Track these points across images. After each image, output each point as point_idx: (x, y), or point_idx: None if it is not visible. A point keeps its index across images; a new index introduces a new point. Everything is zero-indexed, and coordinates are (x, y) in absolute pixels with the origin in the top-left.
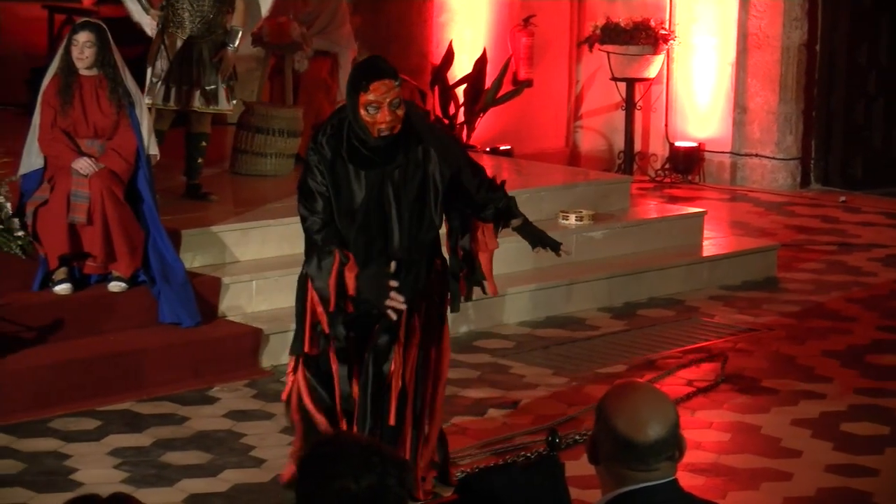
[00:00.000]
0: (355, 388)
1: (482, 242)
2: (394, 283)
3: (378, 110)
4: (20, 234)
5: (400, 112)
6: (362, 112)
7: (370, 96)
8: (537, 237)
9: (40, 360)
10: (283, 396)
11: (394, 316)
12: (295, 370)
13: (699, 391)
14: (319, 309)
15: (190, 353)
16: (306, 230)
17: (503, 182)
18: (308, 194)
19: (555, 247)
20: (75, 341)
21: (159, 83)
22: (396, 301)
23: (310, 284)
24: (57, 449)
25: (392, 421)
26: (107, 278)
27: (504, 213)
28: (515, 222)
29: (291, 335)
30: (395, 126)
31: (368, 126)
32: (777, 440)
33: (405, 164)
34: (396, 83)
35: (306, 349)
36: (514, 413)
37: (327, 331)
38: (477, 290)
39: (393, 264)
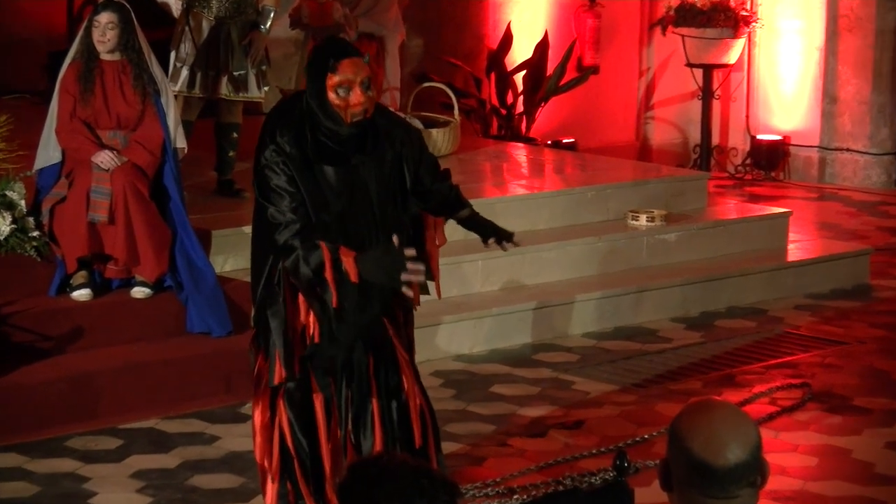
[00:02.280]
0: (335, 428)
1: (431, 238)
2: (410, 252)
3: (349, 91)
4: (35, 234)
5: (372, 94)
6: (331, 96)
7: (339, 76)
8: (487, 228)
9: (57, 372)
10: (259, 456)
11: (411, 293)
12: (272, 419)
13: (783, 410)
14: (309, 318)
15: (221, 365)
16: (280, 236)
17: (447, 171)
18: (276, 195)
19: (507, 237)
20: (95, 352)
21: (184, 68)
22: (416, 272)
23: (279, 299)
24: (75, 470)
25: (419, 442)
26: (130, 283)
27: (452, 203)
28: (464, 213)
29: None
30: (369, 109)
31: (340, 111)
32: (870, 465)
33: (377, 156)
34: (365, 60)
35: (276, 380)
36: (577, 433)
37: (318, 339)
38: (538, 293)
39: (395, 238)
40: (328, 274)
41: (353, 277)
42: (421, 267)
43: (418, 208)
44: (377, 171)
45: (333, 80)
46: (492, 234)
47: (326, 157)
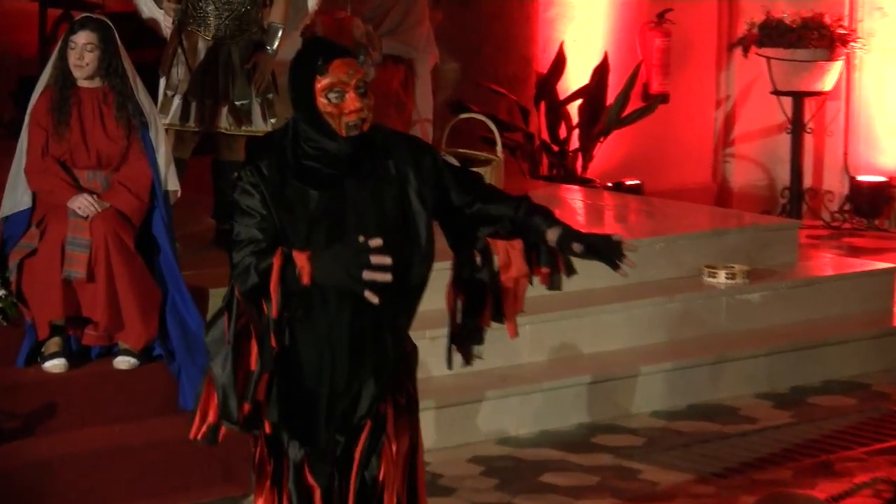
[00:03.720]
0: None
1: (505, 265)
2: (375, 242)
3: (342, 96)
4: (1, 293)
5: (370, 101)
6: (321, 102)
7: (330, 78)
8: (592, 246)
9: (26, 456)
10: None
11: (375, 300)
12: None
13: None
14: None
15: (219, 448)
16: (239, 254)
17: (526, 196)
18: (245, 215)
19: (616, 253)
20: (71, 433)
21: (175, 97)
22: (380, 267)
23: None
24: None
25: None
26: (112, 351)
27: (524, 223)
28: (552, 235)
29: None
30: (367, 118)
31: (332, 120)
32: None
33: (376, 177)
34: (360, 62)
35: (194, 431)
36: None
37: (254, 366)
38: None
39: (361, 238)
40: (272, 278)
41: (306, 278)
42: (387, 260)
43: (488, 239)
44: (375, 199)
45: (323, 82)
46: (594, 250)
47: (309, 180)
